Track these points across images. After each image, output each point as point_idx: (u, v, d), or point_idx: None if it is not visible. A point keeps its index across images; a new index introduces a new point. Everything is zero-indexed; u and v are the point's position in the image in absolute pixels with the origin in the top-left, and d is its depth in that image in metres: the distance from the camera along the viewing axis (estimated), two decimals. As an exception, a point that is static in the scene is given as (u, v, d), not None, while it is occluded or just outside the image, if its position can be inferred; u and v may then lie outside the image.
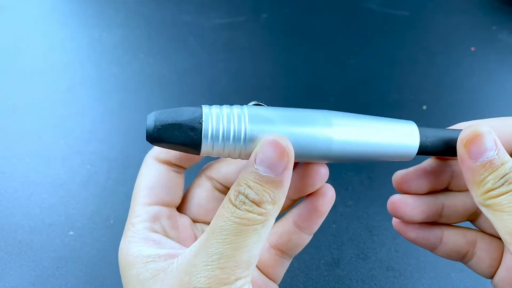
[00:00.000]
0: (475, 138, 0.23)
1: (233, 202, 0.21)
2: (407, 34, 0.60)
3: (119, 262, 0.25)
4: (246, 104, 0.23)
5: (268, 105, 0.23)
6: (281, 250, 0.27)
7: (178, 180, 0.28)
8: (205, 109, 0.21)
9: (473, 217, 0.29)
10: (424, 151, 0.24)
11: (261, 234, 0.21)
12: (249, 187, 0.21)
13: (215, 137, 0.21)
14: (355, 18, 0.63)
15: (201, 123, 0.21)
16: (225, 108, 0.22)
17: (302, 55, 0.58)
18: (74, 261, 0.39)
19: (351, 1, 0.65)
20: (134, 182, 0.46)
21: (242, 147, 0.22)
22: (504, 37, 0.59)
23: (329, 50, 0.58)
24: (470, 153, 0.23)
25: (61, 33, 0.61)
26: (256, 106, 0.23)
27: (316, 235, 0.28)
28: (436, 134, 0.24)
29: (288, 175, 0.21)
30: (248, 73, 0.55)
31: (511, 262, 0.26)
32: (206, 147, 0.21)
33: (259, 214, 0.21)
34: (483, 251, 0.28)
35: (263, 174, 0.21)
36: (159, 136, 0.21)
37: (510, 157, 0.23)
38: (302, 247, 0.28)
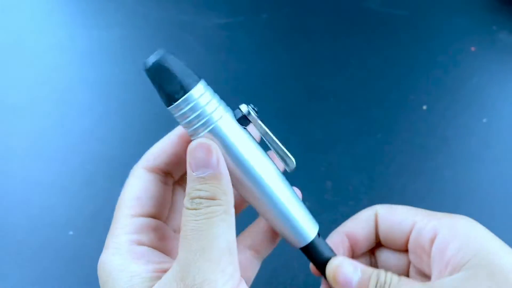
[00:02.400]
0: (335, 275, 0.27)
1: (191, 207, 0.23)
2: (407, 34, 0.60)
3: (99, 276, 0.24)
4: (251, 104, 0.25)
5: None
6: (255, 250, 0.29)
7: (166, 192, 0.28)
8: (201, 84, 0.24)
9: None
10: (307, 251, 0.27)
11: (228, 221, 0.23)
12: (198, 190, 0.23)
13: (191, 106, 0.23)
14: (355, 18, 0.63)
15: (187, 91, 0.23)
16: (215, 100, 0.24)
17: (302, 55, 0.58)
18: (73, 261, 0.39)
19: (351, 1, 0.64)
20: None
21: (200, 130, 0.23)
22: (504, 37, 0.59)
23: (329, 50, 0.58)
24: None
25: (61, 33, 0.61)
26: (243, 119, 0.25)
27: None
28: (321, 248, 0.27)
29: (223, 165, 0.23)
30: (248, 73, 0.55)
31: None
32: (179, 106, 0.23)
33: (218, 205, 0.22)
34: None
35: (204, 175, 0.23)
36: (155, 72, 0.23)
37: (368, 268, 0.27)
38: (276, 245, 0.29)
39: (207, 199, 0.23)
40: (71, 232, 0.41)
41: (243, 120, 0.24)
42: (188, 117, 0.23)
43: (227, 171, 0.24)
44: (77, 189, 0.44)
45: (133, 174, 0.27)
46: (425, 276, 0.28)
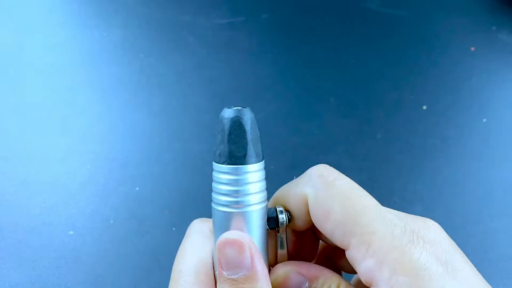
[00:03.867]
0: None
1: None
2: (407, 34, 0.60)
3: None
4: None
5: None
6: None
7: None
8: (261, 164, 0.21)
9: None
10: None
11: None
12: None
13: (237, 178, 0.21)
14: (355, 18, 0.63)
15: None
16: (261, 188, 0.22)
17: (302, 55, 0.58)
18: (74, 261, 0.39)
19: (351, 1, 0.65)
20: (134, 181, 0.46)
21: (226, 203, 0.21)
22: (503, 37, 0.59)
23: (329, 50, 0.58)
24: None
25: (61, 33, 0.61)
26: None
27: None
28: None
29: (260, 263, 0.20)
30: (248, 73, 0.55)
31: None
32: (228, 170, 0.20)
33: None
34: None
35: (237, 277, 0.19)
36: (230, 126, 0.20)
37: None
38: None
39: None
40: (71, 232, 0.41)
41: (272, 222, 0.22)
42: (225, 184, 0.20)
43: (265, 268, 0.20)
44: (77, 189, 0.44)
45: (203, 234, 0.22)
46: None
